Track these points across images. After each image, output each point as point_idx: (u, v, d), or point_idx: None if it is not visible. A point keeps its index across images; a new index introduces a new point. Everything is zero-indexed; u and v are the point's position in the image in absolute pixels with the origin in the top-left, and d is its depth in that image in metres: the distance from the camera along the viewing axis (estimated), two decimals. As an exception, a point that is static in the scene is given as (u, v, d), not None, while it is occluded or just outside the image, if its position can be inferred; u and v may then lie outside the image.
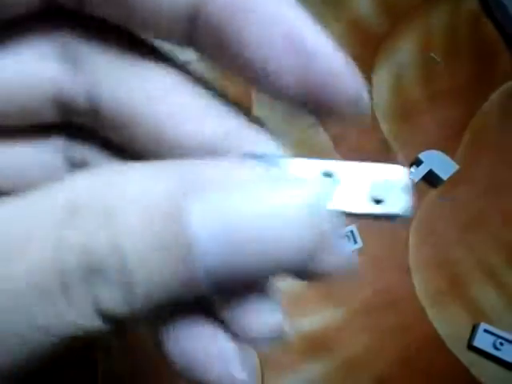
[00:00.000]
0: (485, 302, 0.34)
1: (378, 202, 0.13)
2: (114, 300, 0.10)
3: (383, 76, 0.38)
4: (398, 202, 0.12)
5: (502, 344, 0.32)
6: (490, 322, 0.33)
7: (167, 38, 0.12)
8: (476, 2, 0.40)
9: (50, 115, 0.14)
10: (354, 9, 0.39)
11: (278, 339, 0.13)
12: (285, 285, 0.32)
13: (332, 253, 0.12)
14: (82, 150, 0.15)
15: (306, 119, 0.36)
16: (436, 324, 0.33)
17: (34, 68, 0.13)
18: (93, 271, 0.10)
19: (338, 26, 0.38)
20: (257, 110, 0.35)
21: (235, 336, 0.13)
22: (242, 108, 0.13)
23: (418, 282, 0.34)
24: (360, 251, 0.33)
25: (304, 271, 0.13)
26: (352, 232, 0.33)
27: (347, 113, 0.12)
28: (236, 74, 0.12)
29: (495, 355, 0.32)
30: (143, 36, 0.13)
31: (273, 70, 0.11)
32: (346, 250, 0.13)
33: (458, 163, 0.35)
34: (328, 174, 0.13)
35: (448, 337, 0.33)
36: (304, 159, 0.13)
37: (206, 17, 0.11)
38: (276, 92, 0.12)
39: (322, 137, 0.35)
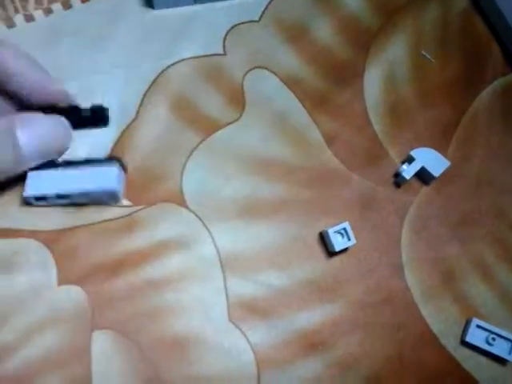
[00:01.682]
0: (477, 297, 0.34)
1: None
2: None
3: (375, 74, 0.38)
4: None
5: (494, 339, 0.32)
6: (483, 318, 0.33)
7: None
8: (467, 0, 0.40)
9: None
10: (345, 7, 0.39)
11: None
12: (279, 282, 0.32)
13: None
14: None
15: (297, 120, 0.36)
16: (429, 320, 0.33)
17: None
18: None
19: (329, 25, 0.38)
20: (248, 112, 0.35)
21: None
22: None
23: (411, 278, 0.34)
24: (353, 248, 0.33)
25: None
26: (345, 229, 0.33)
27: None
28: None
29: (488, 350, 0.32)
30: None
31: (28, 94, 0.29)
32: None
33: (450, 160, 0.35)
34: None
35: (441, 332, 0.33)
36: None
37: None
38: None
39: (316, 136, 0.36)
